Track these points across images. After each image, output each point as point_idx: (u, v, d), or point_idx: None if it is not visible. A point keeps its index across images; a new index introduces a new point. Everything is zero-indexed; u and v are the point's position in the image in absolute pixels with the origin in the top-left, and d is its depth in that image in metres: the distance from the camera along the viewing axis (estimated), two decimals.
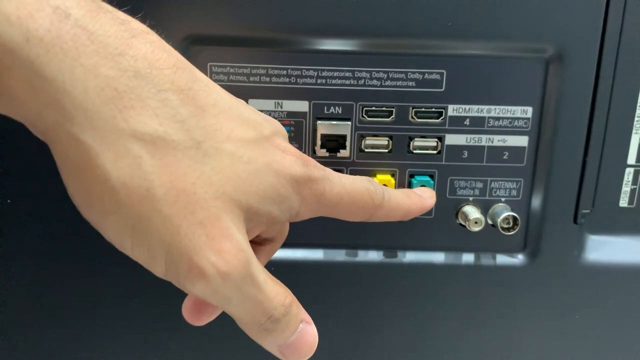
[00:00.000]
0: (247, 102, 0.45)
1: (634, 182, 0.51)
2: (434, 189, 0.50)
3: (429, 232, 0.52)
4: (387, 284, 0.53)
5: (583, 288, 0.54)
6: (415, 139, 0.50)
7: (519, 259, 0.53)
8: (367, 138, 0.49)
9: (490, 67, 0.48)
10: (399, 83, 0.48)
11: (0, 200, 0.49)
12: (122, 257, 0.34)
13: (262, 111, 0.39)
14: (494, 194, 0.51)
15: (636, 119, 0.49)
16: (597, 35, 0.47)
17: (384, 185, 0.44)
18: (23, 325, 0.53)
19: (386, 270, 0.53)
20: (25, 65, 0.28)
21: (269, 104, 0.48)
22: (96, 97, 0.29)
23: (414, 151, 0.50)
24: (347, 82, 0.48)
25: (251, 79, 0.48)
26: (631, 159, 0.51)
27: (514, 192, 0.51)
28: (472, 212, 0.50)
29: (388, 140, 0.50)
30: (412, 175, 0.51)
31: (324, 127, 0.49)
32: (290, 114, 0.49)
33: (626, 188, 0.51)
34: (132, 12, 0.33)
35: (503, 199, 0.51)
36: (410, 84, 0.48)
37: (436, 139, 0.50)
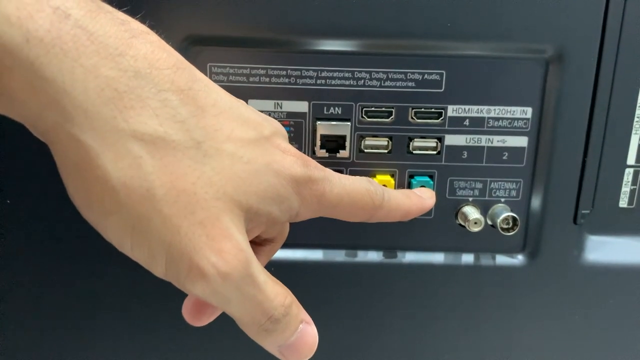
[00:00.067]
0: (246, 102, 0.45)
1: (634, 182, 0.51)
2: (433, 190, 0.50)
3: (428, 233, 0.52)
4: (386, 284, 0.53)
5: (583, 288, 0.54)
6: (415, 139, 0.50)
7: (519, 259, 0.53)
8: (366, 138, 0.49)
9: (490, 67, 0.48)
10: (398, 83, 0.48)
11: (0, 200, 0.49)
12: (122, 257, 0.34)
13: (261, 111, 0.39)
14: (493, 195, 0.51)
15: (636, 119, 0.49)
16: (596, 36, 0.47)
17: (384, 185, 0.44)
18: (23, 325, 0.53)
19: (386, 270, 0.53)
20: (25, 65, 0.28)
21: (269, 105, 0.48)
22: (96, 98, 0.29)
23: (414, 152, 0.50)
24: (347, 82, 0.48)
25: (251, 79, 0.48)
26: (631, 159, 0.51)
27: (513, 193, 0.51)
28: (472, 212, 0.50)
29: (388, 141, 0.50)
30: (411, 176, 0.51)
31: (324, 128, 0.49)
32: (290, 115, 0.49)
33: (626, 188, 0.51)
34: (132, 13, 0.33)
35: (503, 200, 0.51)
36: (409, 84, 0.48)
37: (436, 140, 0.50)
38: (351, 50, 0.47)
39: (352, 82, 0.48)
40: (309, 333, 0.37)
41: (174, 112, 0.31)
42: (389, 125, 0.49)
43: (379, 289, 0.53)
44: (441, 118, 0.49)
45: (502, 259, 0.53)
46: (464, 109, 0.49)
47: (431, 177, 0.50)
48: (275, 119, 0.42)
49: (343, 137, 0.49)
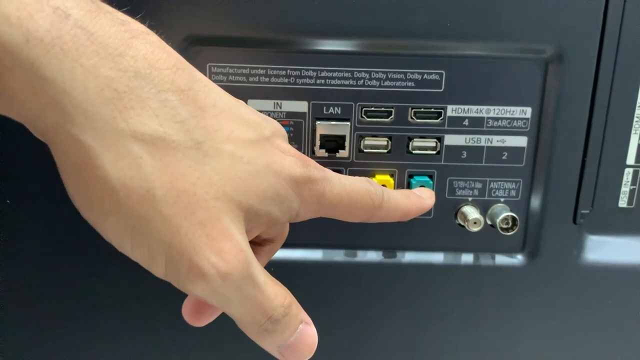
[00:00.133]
0: (246, 102, 0.45)
1: (633, 182, 0.51)
2: (433, 190, 0.50)
3: (428, 233, 0.52)
4: (386, 284, 0.53)
5: (582, 288, 0.54)
6: (415, 139, 0.50)
7: (518, 259, 0.53)
8: (366, 138, 0.49)
9: (490, 67, 0.48)
10: (398, 83, 0.48)
11: (0, 200, 0.49)
12: (122, 257, 0.34)
13: (261, 111, 0.39)
14: (493, 194, 0.51)
15: (635, 119, 0.49)
16: (596, 36, 0.47)
17: (383, 185, 0.44)
18: (23, 325, 0.53)
19: (385, 270, 0.53)
20: (25, 65, 0.28)
21: (268, 104, 0.48)
22: (96, 98, 0.29)
23: (413, 151, 0.50)
24: (347, 82, 0.48)
25: (250, 79, 0.48)
26: (630, 159, 0.51)
27: (513, 193, 0.51)
28: (471, 212, 0.50)
29: (387, 141, 0.50)
30: (411, 176, 0.51)
31: (323, 128, 0.49)
32: (290, 115, 0.49)
33: (625, 188, 0.52)
34: (132, 13, 0.33)
35: (502, 199, 0.51)
36: (409, 84, 0.48)
37: (435, 140, 0.50)
38: (351, 50, 0.47)
39: (351, 82, 0.48)
40: (308, 333, 0.37)
41: (174, 112, 0.32)
42: (389, 125, 0.49)
43: (378, 289, 0.53)
44: (441, 118, 0.49)
45: (501, 259, 0.53)
46: (464, 108, 0.49)
47: (431, 177, 0.50)
48: (275, 118, 0.42)
49: (342, 137, 0.49)
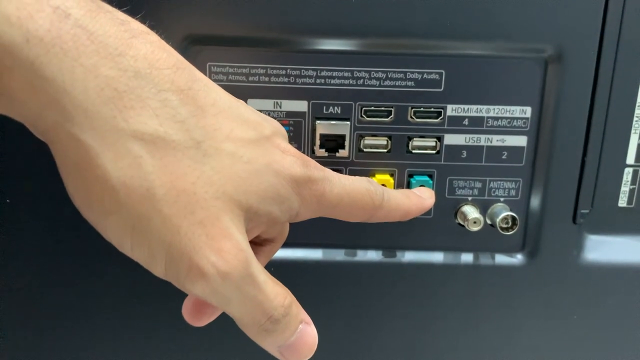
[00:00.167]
0: (246, 102, 0.45)
1: (633, 182, 0.51)
2: (433, 189, 0.50)
3: (428, 232, 0.52)
4: (386, 283, 0.53)
5: (582, 288, 0.54)
6: (414, 138, 0.50)
7: (518, 258, 0.53)
8: (366, 138, 0.49)
9: (489, 67, 0.48)
10: (398, 83, 0.48)
11: (0, 198, 0.49)
12: (122, 257, 0.34)
13: (261, 111, 0.39)
14: (492, 194, 0.51)
15: (635, 118, 0.49)
16: (596, 35, 0.47)
17: (383, 185, 0.45)
18: (23, 325, 0.53)
19: (385, 270, 0.53)
20: (25, 65, 0.28)
21: (268, 104, 0.48)
22: (96, 97, 0.29)
23: (413, 151, 0.50)
24: (346, 82, 0.48)
25: (250, 78, 0.48)
26: (630, 158, 0.51)
27: (512, 192, 0.51)
28: (471, 212, 0.50)
29: (387, 140, 0.50)
30: (411, 175, 0.51)
31: (323, 127, 0.49)
32: (289, 114, 0.49)
33: (625, 188, 0.52)
34: (132, 13, 0.33)
35: (502, 199, 0.51)
36: (409, 83, 0.48)
37: (435, 139, 0.50)
38: (350, 49, 0.47)
39: (351, 82, 0.48)
40: (308, 333, 0.37)
41: (174, 112, 0.32)
42: (389, 124, 0.49)
43: (378, 289, 0.53)
44: (440, 117, 0.49)
45: (501, 259, 0.53)
46: (463, 108, 0.49)
47: (430, 176, 0.51)
48: (275, 118, 0.42)
49: (342, 137, 0.49)
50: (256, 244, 0.43)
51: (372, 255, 0.53)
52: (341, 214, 0.40)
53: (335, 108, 0.49)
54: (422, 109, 0.49)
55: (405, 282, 0.53)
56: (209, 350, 0.54)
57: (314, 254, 0.52)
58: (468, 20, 0.47)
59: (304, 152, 0.48)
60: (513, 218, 0.50)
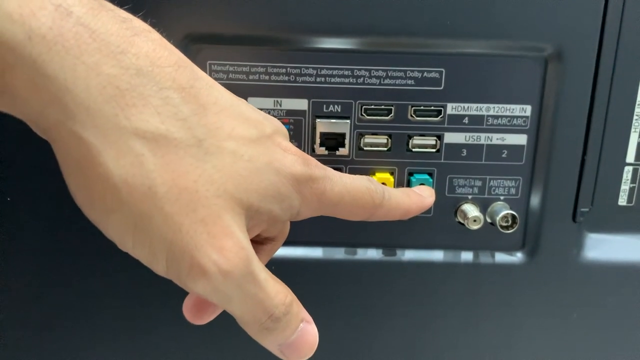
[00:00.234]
0: (246, 100, 0.45)
1: (633, 180, 0.51)
2: (433, 188, 0.50)
3: (428, 231, 0.52)
4: (386, 282, 0.53)
5: (582, 286, 0.54)
6: (414, 137, 0.50)
7: (518, 257, 0.53)
8: (366, 136, 0.49)
9: (489, 65, 0.48)
10: (398, 81, 0.48)
11: (0, 198, 0.49)
12: (122, 256, 0.34)
13: (261, 110, 0.39)
14: (492, 192, 0.51)
15: (635, 117, 0.49)
16: (595, 34, 0.47)
17: (383, 184, 0.45)
18: (23, 325, 0.53)
19: (385, 268, 0.53)
20: (28, 63, 0.28)
21: (268, 102, 0.48)
22: (98, 95, 0.29)
23: (413, 149, 0.50)
24: (346, 80, 0.48)
25: (250, 77, 0.48)
26: (630, 157, 0.51)
27: (512, 191, 0.51)
28: (471, 210, 0.50)
29: (387, 139, 0.50)
30: (411, 174, 0.51)
31: (323, 126, 0.49)
32: (290, 112, 0.49)
33: (625, 186, 0.52)
34: (133, 11, 0.33)
35: (502, 197, 0.51)
36: (409, 82, 0.48)
37: (435, 138, 0.50)
38: (351, 48, 0.47)
39: (351, 80, 0.48)
40: (309, 332, 0.37)
41: (176, 110, 0.32)
42: (389, 123, 0.49)
43: (378, 287, 0.53)
44: (440, 116, 0.49)
45: (501, 257, 0.53)
46: (464, 106, 0.49)
47: (430, 175, 0.51)
48: (275, 116, 0.42)
49: (342, 135, 0.49)
50: (257, 242, 0.43)
51: (372, 254, 0.53)
52: (342, 213, 0.40)
53: (336, 106, 0.49)
54: (422, 107, 0.49)
55: (405, 281, 0.53)
56: (209, 349, 0.54)
57: (314, 252, 0.52)
58: (468, 19, 0.47)
59: (304, 151, 0.48)
60: (513, 216, 0.50)
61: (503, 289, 0.54)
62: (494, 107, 0.49)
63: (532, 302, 0.54)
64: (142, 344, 0.54)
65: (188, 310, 0.41)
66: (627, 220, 0.53)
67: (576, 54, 0.48)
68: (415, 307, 0.54)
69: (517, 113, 0.49)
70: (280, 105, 0.48)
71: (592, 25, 0.47)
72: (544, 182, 0.51)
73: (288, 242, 0.46)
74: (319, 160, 0.39)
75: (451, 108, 0.49)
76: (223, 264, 0.32)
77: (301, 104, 0.48)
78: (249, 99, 0.48)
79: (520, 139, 0.50)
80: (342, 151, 0.49)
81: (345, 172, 0.47)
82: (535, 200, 0.51)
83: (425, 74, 0.48)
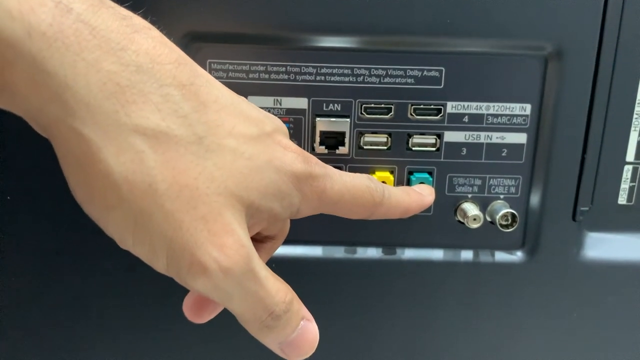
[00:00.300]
0: (246, 99, 0.45)
1: (633, 179, 0.51)
2: (432, 186, 0.50)
3: (427, 229, 0.52)
4: (386, 280, 0.53)
5: (581, 285, 0.54)
6: (414, 136, 0.50)
7: (518, 256, 0.53)
8: (366, 135, 0.49)
9: (489, 64, 0.48)
10: (397, 80, 0.48)
11: (0, 198, 0.49)
12: (122, 256, 0.34)
13: (261, 108, 0.39)
14: (492, 191, 0.51)
15: (635, 116, 0.50)
16: (595, 33, 0.47)
17: (383, 182, 0.45)
18: (23, 325, 0.53)
19: (385, 267, 0.53)
20: (27, 60, 0.28)
21: (268, 101, 0.48)
22: (98, 92, 0.29)
23: (413, 148, 0.50)
24: (346, 79, 0.48)
25: (250, 75, 0.48)
26: (630, 156, 0.51)
27: (512, 189, 0.51)
28: (471, 209, 0.50)
29: (387, 137, 0.50)
30: (411, 172, 0.51)
31: (323, 124, 0.49)
32: (289, 111, 0.49)
33: (625, 185, 0.52)
34: (133, 9, 0.33)
35: (502, 196, 0.51)
36: (409, 81, 0.48)
37: (435, 136, 0.50)
38: (350, 46, 0.47)
39: (351, 79, 0.48)
40: (309, 330, 0.37)
41: (176, 107, 0.31)
42: (388, 121, 0.49)
43: (378, 286, 0.53)
44: (440, 115, 0.49)
45: (501, 256, 0.53)
46: (463, 105, 0.49)
47: (430, 173, 0.51)
48: (275, 115, 0.42)
49: (342, 134, 0.49)
50: (257, 240, 0.43)
51: (372, 253, 0.53)
52: (342, 211, 0.40)
53: (335, 105, 0.49)
54: (422, 106, 0.49)
55: (405, 280, 0.53)
56: (209, 349, 0.54)
57: (314, 251, 0.52)
58: (468, 18, 0.47)
59: (304, 149, 0.48)
60: (513, 215, 0.50)
61: (503, 288, 0.54)
62: (493, 106, 0.49)
63: (531, 301, 0.54)
64: (142, 343, 0.54)
65: (188, 308, 0.41)
66: (627, 219, 0.53)
67: (576, 52, 0.48)
68: (415, 306, 0.54)
69: (517, 112, 0.49)
70: (280, 104, 0.48)
71: (592, 24, 0.47)
72: (543, 180, 0.51)
73: (288, 241, 0.46)
74: (319, 159, 0.39)
75: (451, 107, 0.49)
76: (223, 261, 0.32)
77: (301, 103, 0.48)
78: (249, 97, 0.48)
79: (520, 138, 0.50)
80: (342, 150, 0.49)
81: (345, 171, 0.47)
82: (535, 199, 0.51)
83: (425, 72, 0.48)
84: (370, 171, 0.50)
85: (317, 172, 0.37)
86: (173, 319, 0.50)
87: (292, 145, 0.37)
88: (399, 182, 0.51)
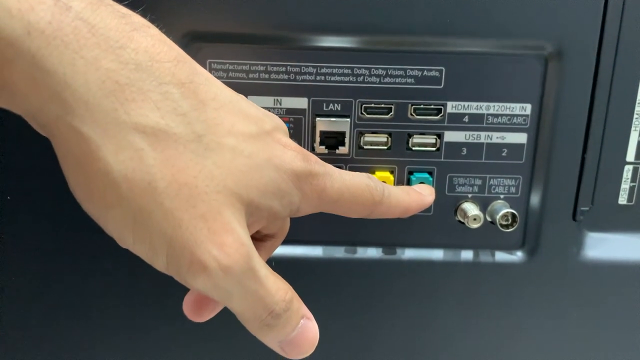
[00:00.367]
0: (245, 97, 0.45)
1: (633, 179, 0.51)
2: (433, 186, 0.50)
3: (427, 229, 0.52)
4: (386, 280, 0.53)
5: (582, 285, 0.54)
6: (414, 135, 0.50)
7: (518, 256, 0.53)
8: (366, 135, 0.49)
9: (490, 64, 0.48)
10: (398, 80, 0.48)
11: (0, 198, 0.49)
12: (122, 256, 0.34)
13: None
14: (492, 191, 0.51)
15: (635, 116, 0.49)
16: (595, 33, 0.47)
17: (383, 182, 0.45)
18: (23, 325, 0.53)
19: (385, 267, 0.53)
20: (27, 58, 0.28)
21: (268, 101, 0.48)
22: (97, 90, 0.29)
23: (413, 148, 0.50)
24: (346, 79, 0.48)
25: (250, 75, 0.48)
26: (630, 156, 0.51)
27: (512, 189, 0.51)
28: (471, 209, 0.50)
29: (387, 137, 0.50)
30: (411, 172, 0.51)
31: (323, 124, 0.49)
32: (290, 111, 0.49)
33: (625, 185, 0.52)
34: (133, 7, 0.33)
35: (502, 196, 0.51)
36: (409, 80, 0.48)
37: (435, 136, 0.50)
38: (350, 46, 0.47)
39: (351, 79, 0.48)
40: (309, 329, 0.37)
41: (175, 105, 0.32)
42: (389, 121, 0.49)
43: (378, 286, 0.53)
44: (440, 114, 0.49)
45: (501, 256, 0.53)
46: (464, 105, 0.49)
47: (430, 173, 0.50)
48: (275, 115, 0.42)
49: (342, 134, 0.49)
50: (257, 239, 0.43)
51: (372, 253, 0.53)
52: (341, 210, 0.40)
53: (335, 105, 0.49)
54: (422, 106, 0.49)
55: (405, 279, 0.53)
56: (209, 348, 0.54)
57: (314, 251, 0.52)
58: (468, 18, 0.47)
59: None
60: (513, 215, 0.50)
61: (503, 288, 0.53)
62: (494, 106, 0.49)
63: (532, 301, 0.54)
64: (142, 343, 0.54)
65: (188, 307, 0.41)
66: (627, 219, 0.53)
67: (576, 52, 0.48)
68: (415, 306, 0.54)
69: (517, 112, 0.49)
70: (280, 104, 0.48)
71: (592, 24, 0.47)
72: (544, 180, 0.51)
73: (288, 241, 0.46)
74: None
75: (451, 107, 0.49)
76: (223, 259, 0.32)
77: (301, 103, 0.48)
78: (249, 97, 0.48)
79: (520, 138, 0.50)
80: (342, 150, 0.49)
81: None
82: (535, 199, 0.51)
83: (425, 72, 0.48)
84: (370, 171, 0.50)
85: (317, 170, 0.37)
86: (173, 318, 0.50)
87: (292, 144, 0.37)
88: (399, 182, 0.51)
